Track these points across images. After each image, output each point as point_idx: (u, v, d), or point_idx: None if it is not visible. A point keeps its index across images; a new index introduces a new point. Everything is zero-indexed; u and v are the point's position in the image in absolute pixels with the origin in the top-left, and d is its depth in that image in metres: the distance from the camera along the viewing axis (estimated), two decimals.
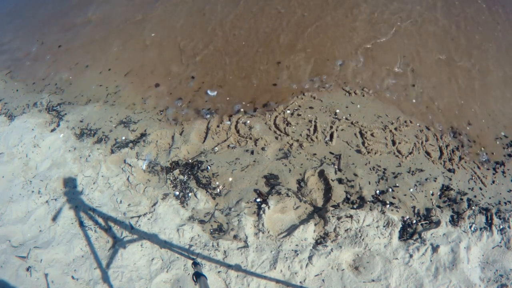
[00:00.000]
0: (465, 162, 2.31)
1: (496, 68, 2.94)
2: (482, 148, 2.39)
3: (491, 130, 2.51)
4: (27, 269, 2.08)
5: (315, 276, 1.87)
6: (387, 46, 3.12)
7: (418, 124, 2.53)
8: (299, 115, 2.64)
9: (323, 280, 1.85)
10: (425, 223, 2.02)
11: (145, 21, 4.06)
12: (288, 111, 2.68)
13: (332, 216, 2.03)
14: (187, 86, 3.08)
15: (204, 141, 2.61)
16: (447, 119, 2.57)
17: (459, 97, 2.72)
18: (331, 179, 2.22)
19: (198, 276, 1.32)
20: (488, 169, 2.28)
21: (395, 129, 2.49)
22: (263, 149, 2.47)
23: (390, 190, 2.15)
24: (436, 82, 2.84)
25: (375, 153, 2.35)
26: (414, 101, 2.70)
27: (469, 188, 2.17)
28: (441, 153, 2.36)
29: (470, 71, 2.91)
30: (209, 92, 2.87)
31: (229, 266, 1.92)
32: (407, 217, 2.05)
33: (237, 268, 1.91)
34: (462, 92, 2.75)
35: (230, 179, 2.35)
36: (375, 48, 3.11)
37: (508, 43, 3.17)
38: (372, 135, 2.46)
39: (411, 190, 2.15)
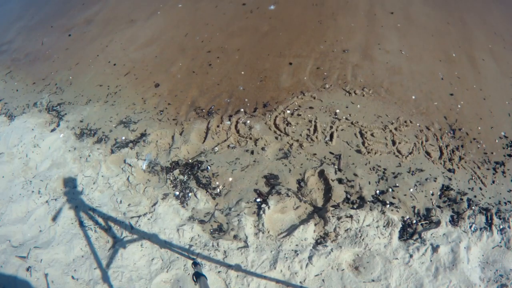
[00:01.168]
0: (465, 162, 2.30)
1: None
2: (482, 146, 2.39)
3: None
4: (27, 269, 2.08)
5: (315, 276, 1.87)
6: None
7: (418, 124, 2.53)
8: (299, 115, 2.64)
9: (323, 280, 1.85)
10: (425, 223, 2.02)
11: (143, 20, 4.06)
12: (288, 111, 2.68)
13: (332, 216, 2.03)
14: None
15: (204, 141, 2.61)
16: (447, 118, 2.57)
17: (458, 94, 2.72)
18: (331, 179, 2.22)
19: (198, 276, 1.33)
20: (488, 169, 2.27)
21: (395, 129, 2.49)
22: (263, 149, 2.47)
23: (390, 190, 2.15)
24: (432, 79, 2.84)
25: (375, 153, 2.35)
26: (413, 97, 2.70)
27: (469, 188, 2.17)
28: (441, 153, 2.36)
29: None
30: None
31: (229, 266, 1.92)
32: (407, 217, 2.05)
33: (237, 268, 1.91)
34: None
35: (230, 179, 2.35)
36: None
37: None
38: (372, 135, 2.46)
39: (411, 190, 2.15)
